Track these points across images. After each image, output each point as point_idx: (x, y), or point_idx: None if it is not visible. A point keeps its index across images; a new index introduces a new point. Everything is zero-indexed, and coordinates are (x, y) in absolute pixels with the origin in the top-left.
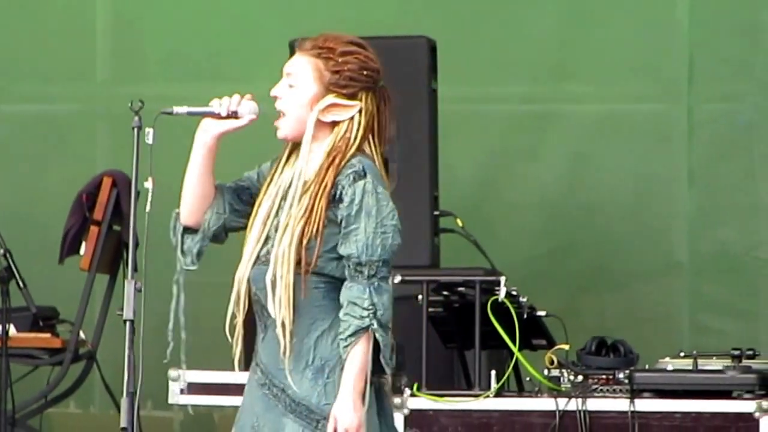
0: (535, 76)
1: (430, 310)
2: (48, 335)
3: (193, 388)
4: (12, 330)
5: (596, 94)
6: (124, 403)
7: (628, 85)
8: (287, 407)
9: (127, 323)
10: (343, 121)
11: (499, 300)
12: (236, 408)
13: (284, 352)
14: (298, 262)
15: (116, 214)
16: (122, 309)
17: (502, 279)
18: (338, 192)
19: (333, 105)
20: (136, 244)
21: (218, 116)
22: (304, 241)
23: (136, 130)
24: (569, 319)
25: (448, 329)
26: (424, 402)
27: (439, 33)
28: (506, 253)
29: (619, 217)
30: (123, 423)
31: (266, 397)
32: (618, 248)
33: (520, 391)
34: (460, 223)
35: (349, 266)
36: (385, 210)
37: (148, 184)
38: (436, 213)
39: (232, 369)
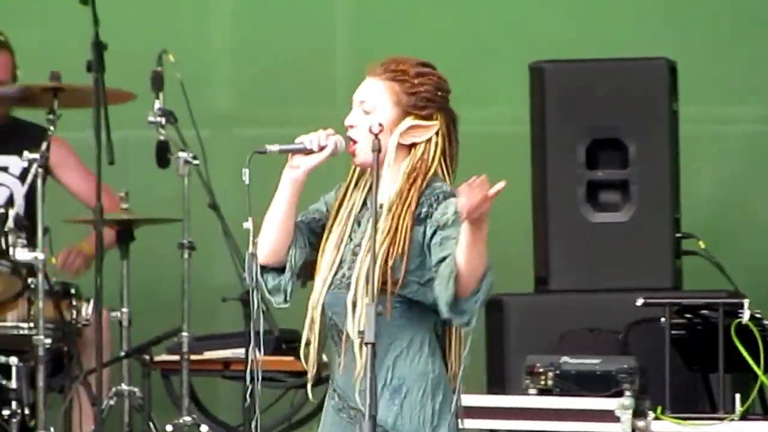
0: None
1: (673, 332)
2: (291, 358)
3: None
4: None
5: None
6: (365, 426)
7: None
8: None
9: (368, 346)
10: (421, 142)
11: (743, 323)
12: None
13: (358, 374)
14: (382, 283)
15: None
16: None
17: (746, 301)
18: (425, 210)
19: (412, 127)
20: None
21: (309, 152)
22: (390, 261)
23: (375, 153)
24: None
25: (692, 352)
26: (667, 425)
27: (677, 52)
28: (750, 275)
29: None
30: None
31: (343, 422)
32: None
33: (766, 415)
34: (702, 245)
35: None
36: None
37: (248, 225)
38: (677, 235)
39: (476, 391)
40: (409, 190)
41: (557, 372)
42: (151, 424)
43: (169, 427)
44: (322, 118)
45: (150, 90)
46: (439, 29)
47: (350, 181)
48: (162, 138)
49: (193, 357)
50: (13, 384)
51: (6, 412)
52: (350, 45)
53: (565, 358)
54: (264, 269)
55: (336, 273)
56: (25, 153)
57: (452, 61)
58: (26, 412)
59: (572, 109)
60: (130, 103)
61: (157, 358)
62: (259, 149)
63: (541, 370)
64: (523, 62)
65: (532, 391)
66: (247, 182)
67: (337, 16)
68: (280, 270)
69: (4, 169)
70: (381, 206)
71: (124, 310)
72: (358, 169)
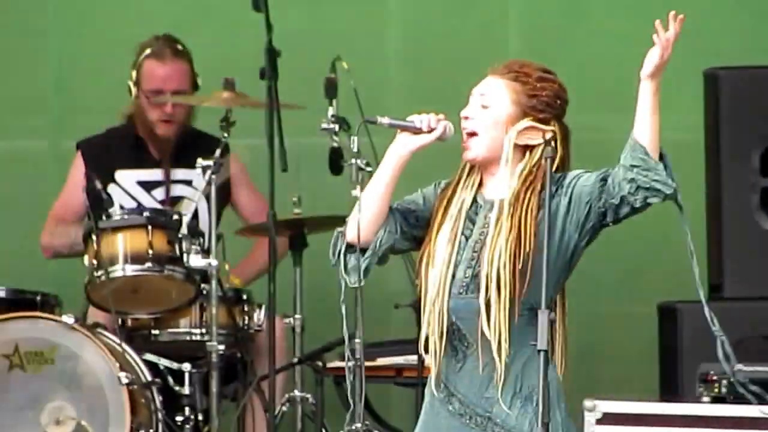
0: None
1: None
2: None
3: (609, 419)
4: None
5: None
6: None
7: None
8: None
9: (541, 353)
10: (536, 146)
11: None
12: None
13: (499, 378)
14: (513, 287)
15: None
16: (535, 339)
17: None
18: (552, 192)
19: (529, 128)
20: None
21: (417, 131)
22: (518, 265)
23: (547, 160)
24: None
25: None
26: None
27: None
28: None
29: None
30: None
31: (466, 427)
32: None
33: None
34: None
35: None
36: None
37: (357, 193)
38: None
39: (648, 398)
40: (527, 192)
41: (731, 380)
42: (323, 431)
43: None
44: None
45: (323, 97)
46: (612, 36)
47: (459, 178)
48: (335, 145)
49: (366, 364)
50: (186, 390)
51: (179, 418)
52: (522, 49)
53: (739, 366)
54: (350, 248)
55: (455, 273)
56: (199, 159)
57: (625, 69)
58: (199, 418)
59: (747, 115)
60: (303, 109)
61: (329, 365)
62: (369, 119)
63: (715, 378)
64: (697, 69)
65: (706, 399)
66: (355, 150)
67: (509, 21)
68: (364, 251)
69: (188, 183)
70: (501, 202)
71: (297, 316)
72: (467, 166)
